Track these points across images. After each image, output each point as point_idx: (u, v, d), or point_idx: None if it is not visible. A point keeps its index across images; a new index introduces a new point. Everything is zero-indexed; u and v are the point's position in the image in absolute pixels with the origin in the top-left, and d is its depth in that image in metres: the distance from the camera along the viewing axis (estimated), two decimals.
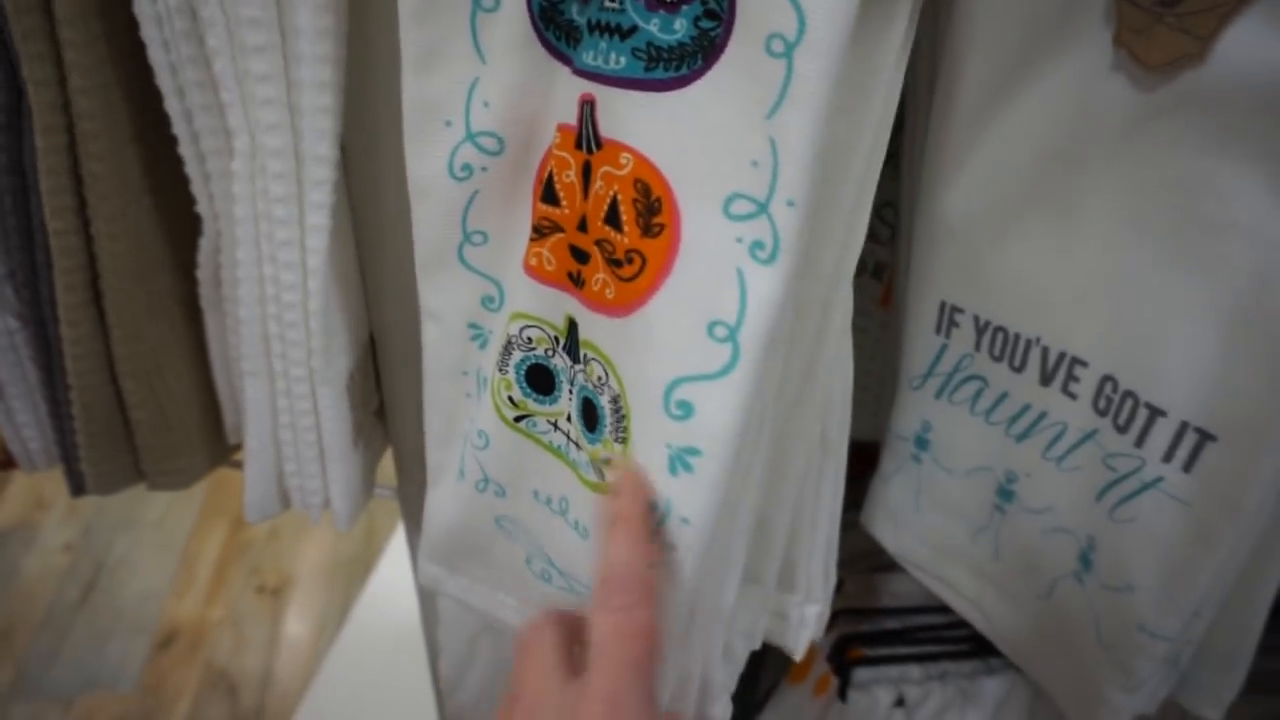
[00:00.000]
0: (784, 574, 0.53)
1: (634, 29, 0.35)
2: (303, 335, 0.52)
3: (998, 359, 0.51)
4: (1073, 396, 0.48)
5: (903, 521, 0.61)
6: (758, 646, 0.55)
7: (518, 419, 0.47)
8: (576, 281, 0.42)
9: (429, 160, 0.42)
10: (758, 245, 0.36)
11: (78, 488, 0.62)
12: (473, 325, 0.48)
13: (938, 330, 0.53)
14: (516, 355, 0.45)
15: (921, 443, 0.57)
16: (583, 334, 0.42)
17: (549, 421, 0.46)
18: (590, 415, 0.43)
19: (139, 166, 0.52)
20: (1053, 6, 0.40)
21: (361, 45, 0.47)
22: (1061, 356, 0.48)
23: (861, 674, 0.73)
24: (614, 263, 0.39)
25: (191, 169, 0.51)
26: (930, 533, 0.60)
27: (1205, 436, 0.42)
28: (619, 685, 0.33)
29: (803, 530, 0.51)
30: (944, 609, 0.62)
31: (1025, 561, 0.54)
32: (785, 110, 0.33)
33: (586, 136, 0.39)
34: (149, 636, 1.58)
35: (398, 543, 1.72)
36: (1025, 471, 0.52)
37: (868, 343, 0.65)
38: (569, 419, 0.46)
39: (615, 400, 0.41)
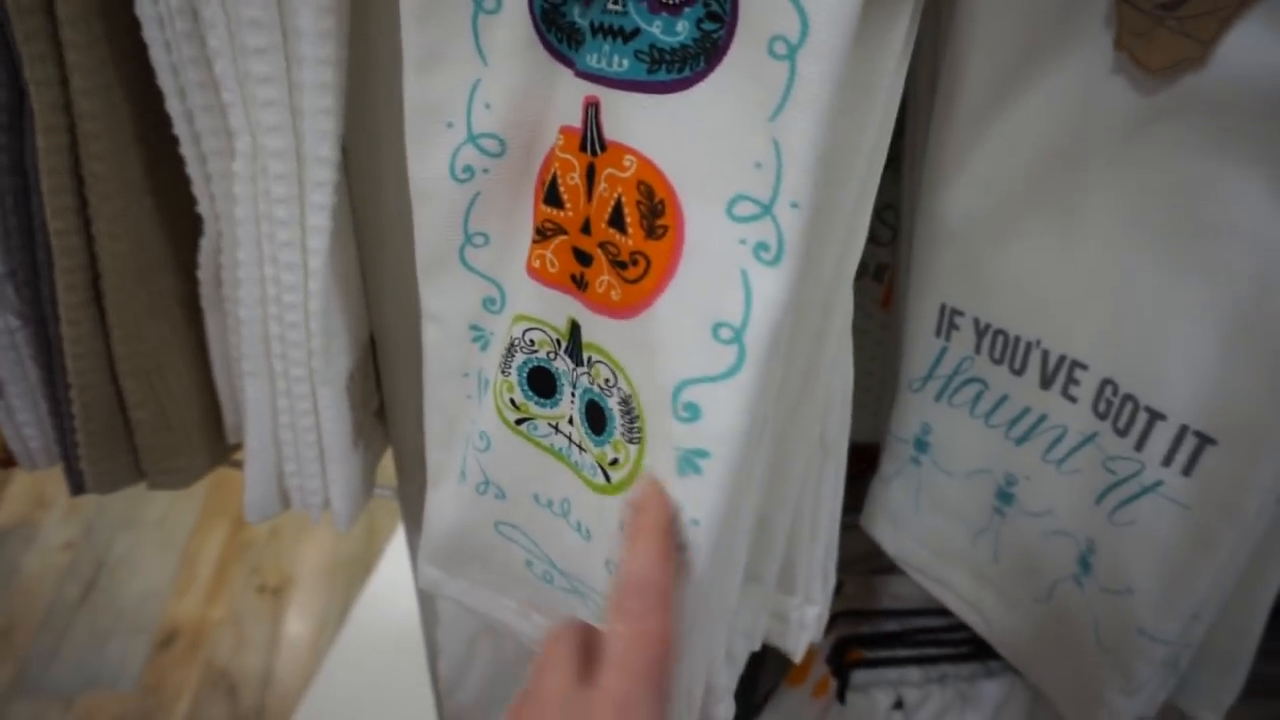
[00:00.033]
0: (784, 575, 0.53)
1: (636, 31, 0.35)
2: (303, 335, 0.52)
3: (998, 362, 0.51)
4: (1073, 399, 0.48)
5: (902, 524, 0.61)
6: (757, 647, 0.55)
7: (519, 421, 0.47)
8: (579, 284, 0.42)
9: (430, 162, 0.42)
10: (762, 247, 0.36)
11: (77, 486, 0.62)
12: (474, 327, 0.48)
13: (938, 333, 0.53)
14: (519, 357, 0.45)
15: (921, 445, 0.57)
16: (587, 336, 0.42)
17: (550, 424, 0.46)
18: (596, 418, 0.43)
19: (140, 167, 0.52)
20: (1053, 9, 0.40)
21: (363, 47, 0.47)
22: (1062, 359, 0.48)
23: (860, 676, 0.73)
24: (619, 265, 0.39)
25: (193, 170, 0.51)
26: (930, 535, 0.60)
27: (1205, 440, 0.42)
28: (632, 691, 0.33)
29: (802, 531, 0.51)
30: (943, 611, 0.62)
31: (1025, 564, 0.54)
32: (788, 112, 0.33)
33: (591, 139, 0.39)
34: (149, 636, 1.58)
35: (398, 543, 1.72)
36: (1025, 474, 0.52)
37: (868, 344, 0.65)
38: (570, 422, 0.45)
39: (626, 402, 0.41)
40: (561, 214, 0.41)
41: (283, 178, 0.47)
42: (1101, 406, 0.47)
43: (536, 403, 0.46)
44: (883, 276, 0.65)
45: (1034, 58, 0.42)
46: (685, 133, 0.36)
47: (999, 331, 0.50)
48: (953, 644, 0.74)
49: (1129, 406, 0.45)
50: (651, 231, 0.38)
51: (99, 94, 0.48)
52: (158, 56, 0.47)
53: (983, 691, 0.73)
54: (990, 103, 0.44)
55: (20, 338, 0.57)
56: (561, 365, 0.44)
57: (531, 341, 0.45)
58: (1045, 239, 0.46)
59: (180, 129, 0.50)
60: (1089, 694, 0.52)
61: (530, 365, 0.45)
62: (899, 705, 0.72)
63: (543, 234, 0.42)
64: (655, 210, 0.37)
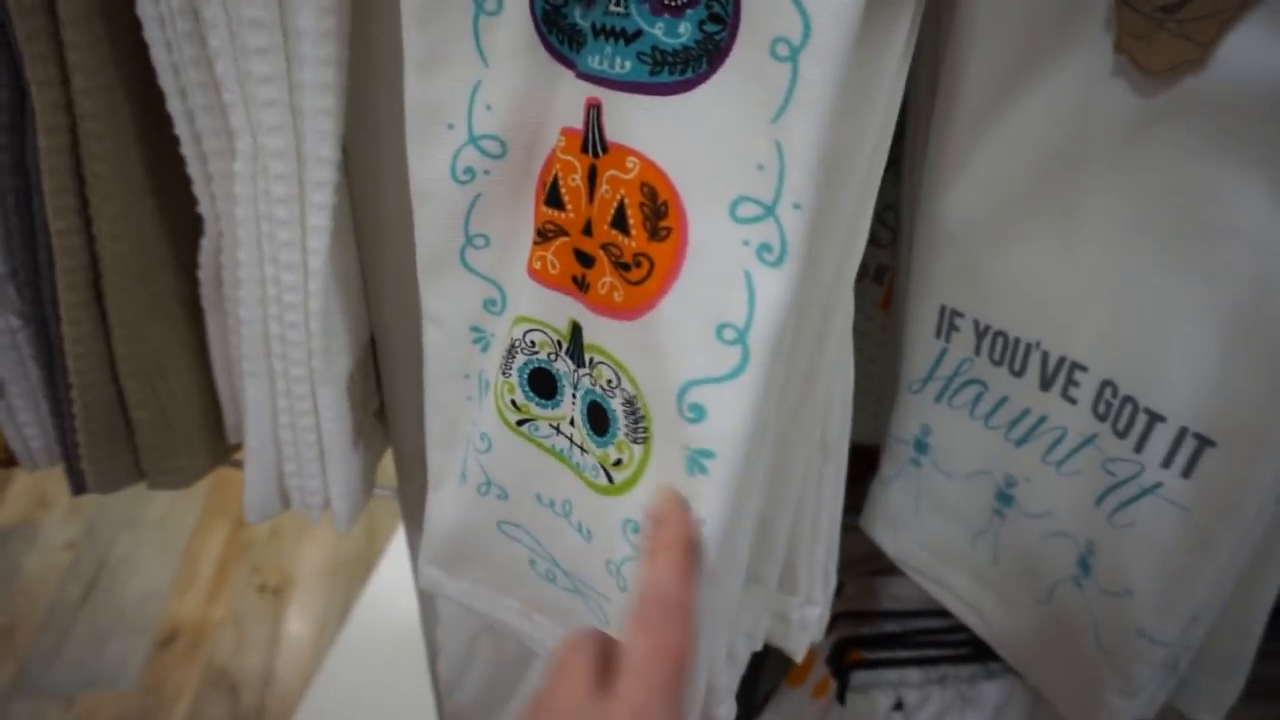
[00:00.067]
0: (785, 576, 0.53)
1: (639, 33, 0.35)
2: (303, 336, 0.52)
3: (998, 363, 0.51)
4: (1072, 401, 0.48)
5: (902, 525, 0.61)
6: (759, 648, 0.55)
7: (520, 422, 0.47)
8: (581, 285, 0.42)
9: (431, 163, 0.42)
10: (765, 248, 0.36)
11: (78, 486, 0.62)
12: (475, 328, 0.48)
13: (938, 334, 0.53)
14: (520, 359, 0.45)
15: (921, 446, 0.57)
16: (588, 338, 0.42)
17: (551, 425, 0.47)
18: (599, 419, 0.43)
19: (141, 167, 0.53)
20: (1054, 11, 0.40)
21: (363, 47, 0.47)
22: (1061, 361, 0.48)
23: (860, 677, 0.73)
24: (621, 266, 0.39)
25: (194, 170, 0.51)
26: (930, 536, 0.60)
27: (1204, 442, 0.42)
28: (650, 703, 0.33)
29: (804, 532, 0.51)
30: (944, 613, 0.62)
31: (1024, 566, 0.54)
32: (791, 114, 0.33)
33: (593, 140, 0.39)
34: (150, 635, 1.58)
35: (398, 543, 1.72)
36: (1025, 476, 0.52)
37: (869, 346, 0.65)
38: (572, 423, 0.46)
39: (630, 402, 0.41)
40: (563, 215, 0.41)
41: (283, 178, 0.47)
42: (1101, 408, 0.47)
43: (538, 404, 0.46)
44: (883, 278, 0.65)
45: (1034, 60, 0.42)
46: (688, 134, 0.36)
47: (999, 333, 0.50)
48: (953, 645, 0.74)
49: (1129, 408, 0.45)
50: (655, 233, 0.38)
51: (100, 94, 0.48)
52: (159, 57, 0.47)
53: (983, 693, 0.73)
54: (990, 105, 0.44)
55: (22, 338, 0.58)
56: (562, 366, 0.44)
57: (532, 343, 0.45)
58: (1045, 241, 0.46)
59: (181, 129, 0.50)
60: (1088, 695, 0.52)
61: (531, 366, 0.45)
62: (899, 706, 0.72)
63: (544, 235, 0.42)
64: (658, 212, 0.37)
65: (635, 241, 0.38)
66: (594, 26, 0.37)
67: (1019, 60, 0.42)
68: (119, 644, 1.56)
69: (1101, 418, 0.47)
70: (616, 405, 0.42)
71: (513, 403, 0.46)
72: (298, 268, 0.50)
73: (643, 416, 0.41)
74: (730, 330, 0.37)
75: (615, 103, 0.37)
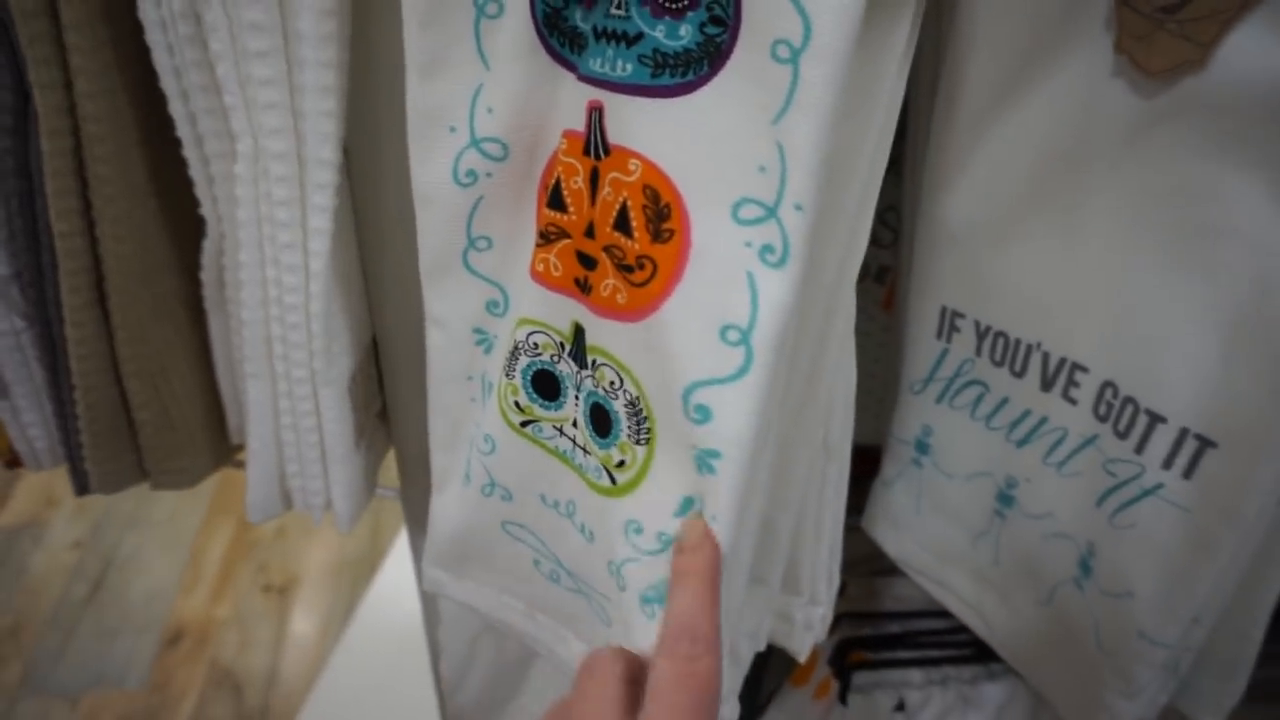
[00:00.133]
0: (788, 576, 0.53)
1: (640, 36, 0.35)
2: (305, 337, 0.53)
3: (998, 364, 0.51)
4: (1073, 402, 0.48)
5: (904, 526, 0.61)
6: (762, 648, 0.55)
7: (524, 424, 0.47)
8: (584, 288, 0.42)
9: (433, 166, 0.42)
10: (767, 249, 0.36)
11: (82, 487, 0.62)
12: (477, 330, 0.48)
13: (939, 335, 0.53)
14: (523, 360, 0.45)
15: (922, 447, 0.57)
16: (591, 340, 0.42)
17: (555, 427, 0.47)
18: (601, 420, 0.43)
19: (144, 169, 0.53)
20: (1054, 12, 0.40)
21: (364, 49, 0.48)
22: (1062, 362, 0.48)
23: (862, 678, 0.73)
24: (624, 268, 0.39)
25: (196, 172, 0.51)
26: (931, 537, 0.60)
27: (1205, 443, 0.42)
28: None
29: (806, 533, 0.51)
30: (945, 614, 0.62)
31: (1025, 567, 0.54)
32: (792, 115, 0.33)
33: (595, 143, 0.39)
34: (156, 634, 1.59)
35: (403, 543, 1.72)
36: (1025, 477, 0.52)
37: (870, 346, 0.65)
38: (574, 424, 0.46)
39: (633, 404, 0.41)
40: (565, 218, 0.41)
41: (284, 180, 0.47)
42: (1102, 409, 0.47)
43: (541, 405, 0.46)
44: (884, 279, 0.65)
45: (1035, 60, 0.42)
46: (689, 136, 0.36)
47: (999, 334, 0.50)
48: (955, 646, 0.74)
49: (1129, 409, 0.45)
50: (658, 235, 0.38)
51: (103, 97, 0.48)
52: (161, 60, 0.47)
53: (985, 693, 0.73)
54: (991, 105, 0.44)
55: (26, 339, 0.58)
56: (565, 368, 0.44)
57: (535, 344, 0.45)
58: (1046, 241, 0.46)
59: (183, 131, 0.50)
60: (1089, 697, 0.52)
61: (534, 368, 0.45)
62: (901, 707, 0.72)
63: (546, 238, 0.42)
64: (661, 214, 0.38)
65: (638, 244, 0.38)
66: (595, 29, 0.37)
67: (1020, 61, 0.42)
68: (125, 643, 1.57)
69: (1102, 419, 0.47)
70: (619, 407, 0.42)
71: (516, 404, 0.47)
72: (299, 269, 0.50)
73: (645, 418, 0.41)
74: (733, 331, 0.37)
75: (617, 105, 0.37)
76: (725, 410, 0.38)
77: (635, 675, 0.36)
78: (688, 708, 0.33)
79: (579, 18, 0.37)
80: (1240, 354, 0.40)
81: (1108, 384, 0.46)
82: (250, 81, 0.45)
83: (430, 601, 0.86)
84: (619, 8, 0.36)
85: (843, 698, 0.72)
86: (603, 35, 0.36)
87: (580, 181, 0.40)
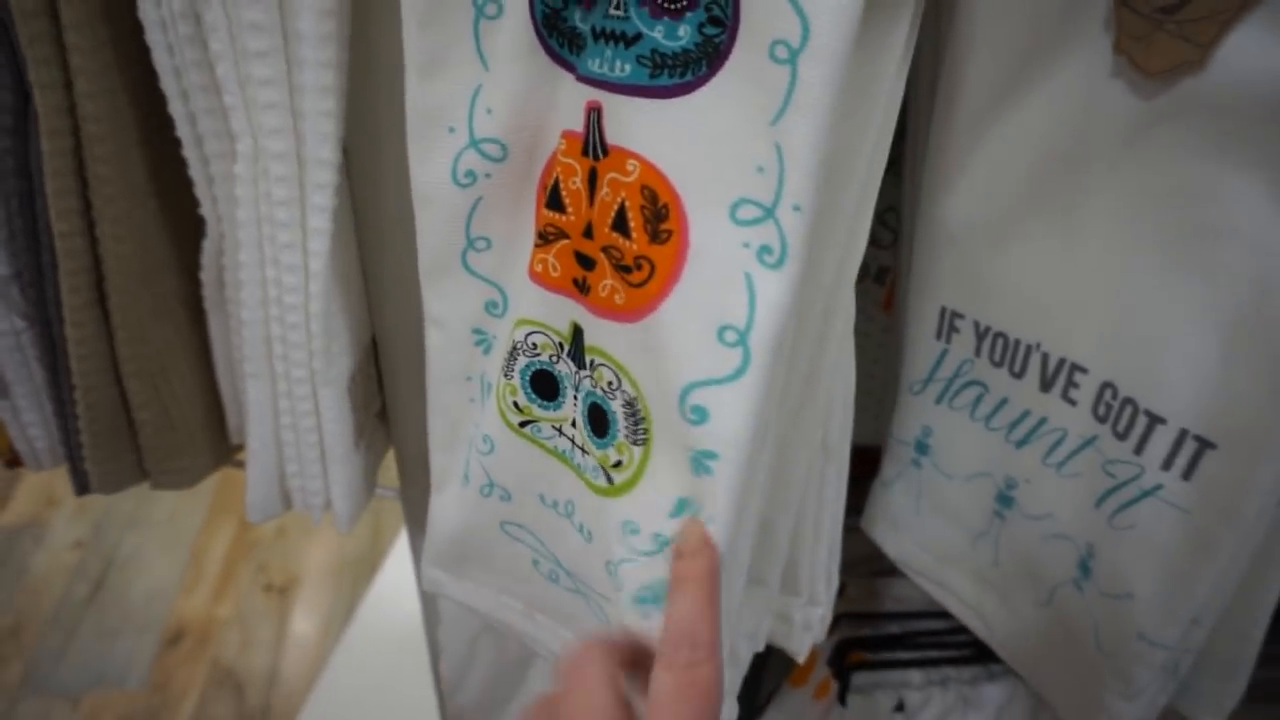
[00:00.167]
0: (787, 577, 0.53)
1: (638, 36, 0.35)
2: (304, 337, 0.53)
3: (998, 364, 0.51)
4: (1072, 403, 0.48)
5: (903, 526, 0.61)
6: (761, 648, 0.55)
7: (523, 424, 0.47)
8: (582, 288, 0.42)
9: (432, 166, 0.42)
10: (765, 250, 0.36)
11: (82, 486, 0.62)
12: (476, 330, 0.48)
13: (938, 335, 0.53)
14: (521, 361, 0.45)
15: (922, 448, 0.57)
16: (589, 340, 0.42)
17: (553, 427, 0.47)
18: (599, 420, 0.43)
19: (144, 169, 0.53)
20: (1053, 12, 0.40)
21: (364, 50, 0.48)
22: (1061, 363, 0.48)
23: (862, 678, 0.73)
24: (622, 269, 0.39)
25: (196, 172, 0.51)
26: (930, 538, 0.60)
27: (1204, 444, 0.42)
28: None
29: (806, 533, 0.51)
30: (945, 614, 0.62)
31: (1025, 568, 0.54)
32: (790, 116, 0.33)
33: (593, 143, 0.39)
34: (157, 634, 1.59)
35: (403, 543, 1.72)
36: (1025, 478, 0.52)
37: (870, 347, 0.65)
38: (573, 424, 0.46)
39: (630, 404, 0.41)
40: (563, 218, 0.41)
41: (284, 180, 0.47)
42: (1101, 410, 0.47)
43: (540, 405, 0.46)
44: (884, 279, 0.65)
45: (1034, 61, 0.42)
46: (687, 137, 0.36)
47: (999, 334, 0.50)
48: (954, 646, 0.74)
49: (1128, 410, 0.45)
50: (656, 236, 0.38)
51: (103, 97, 0.48)
52: (161, 60, 0.47)
53: (984, 694, 0.73)
54: (990, 106, 0.44)
55: (26, 339, 0.58)
56: (564, 368, 0.44)
57: (534, 345, 0.45)
58: (1045, 242, 0.46)
59: (183, 131, 0.50)
60: (1089, 698, 0.52)
61: (533, 368, 0.45)
62: (900, 708, 0.72)
63: (544, 238, 0.42)
64: (659, 215, 0.38)
65: (636, 244, 0.38)
66: (594, 30, 0.37)
67: (1019, 61, 0.42)
68: (126, 643, 1.57)
69: (1101, 419, 0.47)
70: (617, 407, 0.42)
71: (515, 404, 0.47)
72: (299, 269, 0.50)
73: (643, 418, 0.41)
74: (731, 332, 0.37)
75: (615, 106, 0.37)
76: (722, 411, 0.38)
77: (630, 659, 0.36)
78: (689, 718, 0.33)
79: (578, 18, 0.37)
80: (1240, 355, 0.40)
81: (1107, 385, 0.46)
82: (250, 81, 0.45)
83: (430, 601, 0.86)
84: (618, 8, 0.36)
85: (842, 698, 0.72)
86: (601, 36, 0.36)
87: (579, 182, 0.40)
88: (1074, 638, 0.52)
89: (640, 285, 0.39)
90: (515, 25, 0.39)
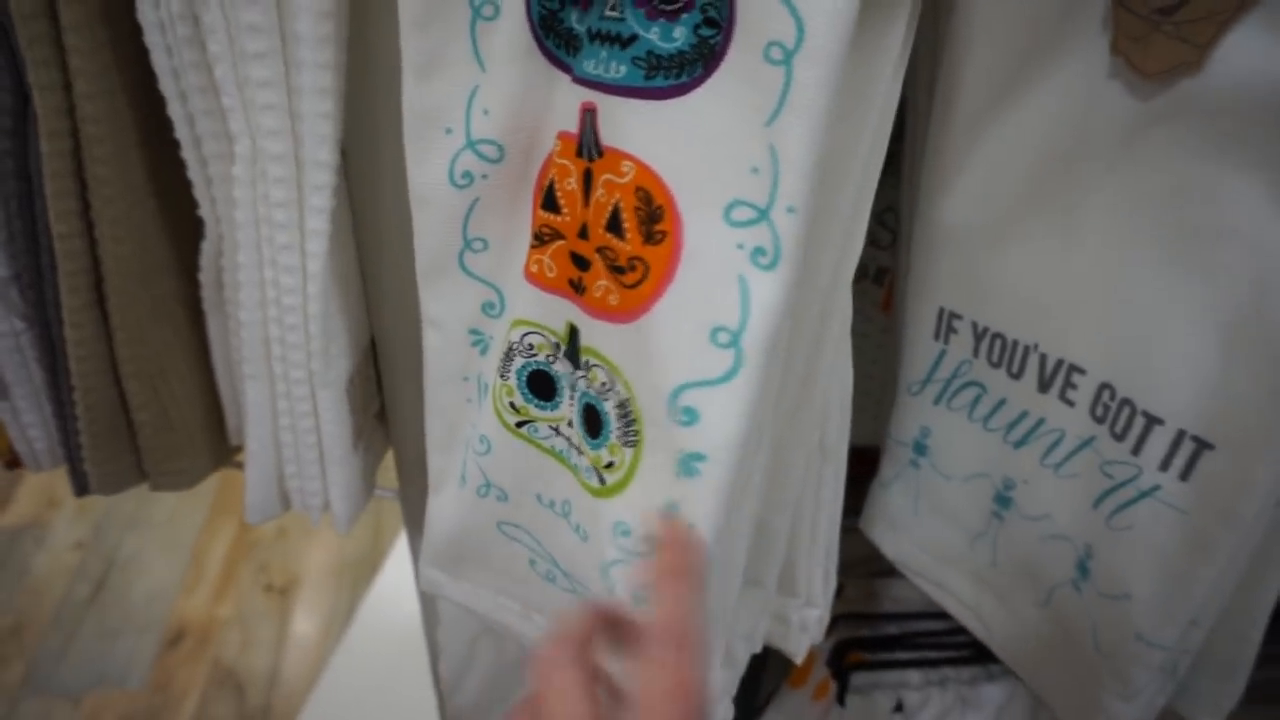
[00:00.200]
0: (784, 578, 0.53)
1: (634, 38, 0.36)
2: (302, 338, 0.53)
3: (996, 365, 0.51)
4: (1070, 403, 0.48)
5: (902, 527, 0.61)
6: (758, 649, 0.55)
7: (519, 424, 0.47)
8: (577, 288, 0.42)
9: (430, 167, 0.42)
10: (759, 251, 0.36)
11: (81, 487, 0.62)
12: (473, 331, 0.48)
13: (936, 336, 0.53)
14: (518, 361, 0.46)
15: (920, 448, 0.57)
16: (584, 340, 0.42)
17: (550, 427, 0.47)
18: (593, 421, 0.44)
19: (143, 170, 0.53)
20: (1051, 13, 0.40)
21: (362, 51, 0.48)
22: (1059, 363, 0.48)
23: (860, 679, 0.73)
24: (616, 270, 0.39)
25: (194, 173, 0.51)
26: (929, 539, 0.60)
27: (1202, 445, 0.42)
28: None
29: (803, 535, 0.51)
30: (944, 615, 0.62)
31: (1023, 569, 0.54)
32: (785, 117, 0.33)
33: (588, 144, 0.39)
34: (158, 634, 1.59)
35: (403, 544, 1.72)
36: (1023, 478, 0.52)
37: (869, 347, 0.65)
38: (570, 424, 0.46)
39: (623, 405, 0.42)
40: (559, 219, 0.41)
41: (282, 181, 0.47)
42: (1099, 410, 0.47)
43: (537, 406, 0.46)
44: (883, 280, 0.65)
45: (1032, 61, 0.42)
46: (682, 138, 0.36)
47: (997, 335, 0.50)
48: (953, 647, 0.73)
49: (1126, 410, 0.45)
50: (650, 237, 0.38)
51: (102, 98, 0.48)
52: (159, 61, 0.47)
53: (983, 694, 0.73)
54: (988, 107, 0.44)
55: (25, 340, 0.58)
56: (561, 368, 0.45)
57: (530, 345, 0.45)
58: (1043, 243, 0.46)
59: (181, 133, 0.50)
60: (1087, 699, 0.52)
61: (530, 369, 0.45)
62: (899, 708, 0.72)
63: (540, 239, 0.42)
64: (653, 216, 0.38)
65: (630, 245, 0.38)
66: (590, 31, 0.37)
67: (1017, 62, 0.42)
68: (126, 643, 1.57)
69: (1099, 420, 0.47)
70: (610, 408, 0.42)
71: (511, 405, 0.47)
72: (297, 270, 0.50)
73: (634, 420, 0.41)
74: (724, 333, 0.37)
75: (610, 107, 0.37)
76: (713, 412, 0.38)
77: (607, 632, 0.36)
78: (680, 719, 0.33)
79: (574, 20, 0.37)
80: (1238, 355, 0.40)
81: (1105, 385, 0.46)
82: (248, 83, 0.45)
83: (430, 602, 0.86)
84: (614, 10, 0.36)
85: (841, 699, 0.72)
86: (597, 37, 0.36)
87: (573, 183, 0.40)
88: (1072, 638, 0.52)
89: (634, 286, 0.39)
90: (512, 27, 0.39)
